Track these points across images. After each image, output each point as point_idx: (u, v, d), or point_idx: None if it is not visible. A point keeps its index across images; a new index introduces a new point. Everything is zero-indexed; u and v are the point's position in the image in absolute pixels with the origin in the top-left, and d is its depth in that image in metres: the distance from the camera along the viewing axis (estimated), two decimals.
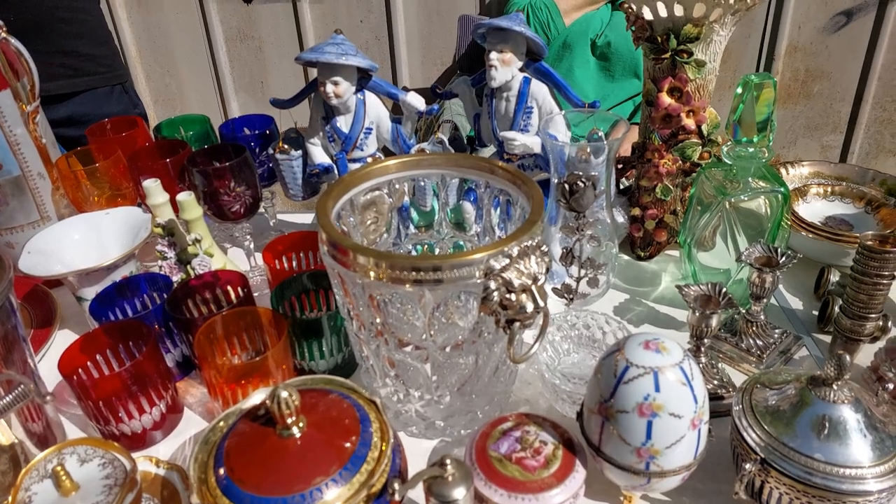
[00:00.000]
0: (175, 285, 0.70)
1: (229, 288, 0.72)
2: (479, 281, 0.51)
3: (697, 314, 0.60)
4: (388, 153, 0.83)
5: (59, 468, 0.49)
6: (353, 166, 0.77)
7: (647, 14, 0.74)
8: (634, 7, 0.75)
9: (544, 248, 0.53)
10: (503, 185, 0.63)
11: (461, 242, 0.75)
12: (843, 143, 2.29)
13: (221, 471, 0.48)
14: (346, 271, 0.54)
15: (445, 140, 0.78)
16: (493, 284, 0.50)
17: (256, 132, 0.88)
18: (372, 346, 0.59)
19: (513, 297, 0.51)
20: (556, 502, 0.51)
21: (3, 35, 0.73)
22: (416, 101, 0.74)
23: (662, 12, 0.72)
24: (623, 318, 0.75)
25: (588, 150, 0.69)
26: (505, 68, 0.70)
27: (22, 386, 0.47)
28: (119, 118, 0.92)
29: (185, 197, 0.71)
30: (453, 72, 2.22)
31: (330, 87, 0.69)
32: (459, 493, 0.47)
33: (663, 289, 0.83)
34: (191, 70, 2.35)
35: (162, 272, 0.77)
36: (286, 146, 0.77)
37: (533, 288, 0.51)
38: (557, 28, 1.69)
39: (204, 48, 2.29)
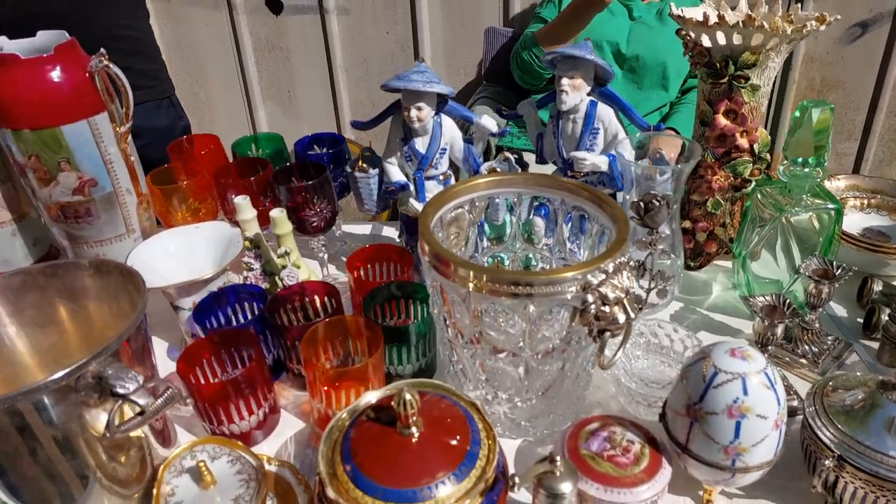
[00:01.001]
0: (269, 296, 0.75)
1: (316, 297, 0.77)
2: (572, 294, 0.56)
3: (765, 323, 0.65)
4: (454, 169, 0.88)
5: (201, 464, 0.54)
6: (428, 184, 0.82)
7: (706, 41, 0.79)
8: (693, 35, 0.80)
9: (632, 263, 0.59)
10: (581, 203, 0.68)
11: (530, 255, 0.80)
12: (857, 150, 2.35)
13: (349, 465, 0.53)
14: (447, 282, 0.59)
15: (512, 159, 0.83)
16: (590, 298, 0.55)
17: (326, 150, 0.93)
18: (467, 352, 0.64)
19: (607, 308, 0.56)
20: (647, 497, 0.56)
21: (105, 62, 0.78)
22: (490, 124, 0.79)
23: (721, 41, 0.77)
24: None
25: (655, 169, 0.74)
26: (575, 93, 0.75)
27: (171, 390, 0.52)
28: (198, 136, 0.97)
29: (277, 213, 0.76)
30: (478, 83, 2.27)
31: (414, 112, 0.74)
32: (566, 486, 0.52)
33: (715, 297, 0.88)
34: (220, 80, 2.41)
35: (247, 283, 0.82)
36: (365, 165, 0.82)
37: (625, 300, 0.57)
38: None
39: (233, 59, 2.35)
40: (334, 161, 0.91)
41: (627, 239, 0.59)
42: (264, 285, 0.82)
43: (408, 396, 0.53)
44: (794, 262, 0.78)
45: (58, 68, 0.77)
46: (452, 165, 0.88)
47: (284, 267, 0.78)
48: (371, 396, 0.59)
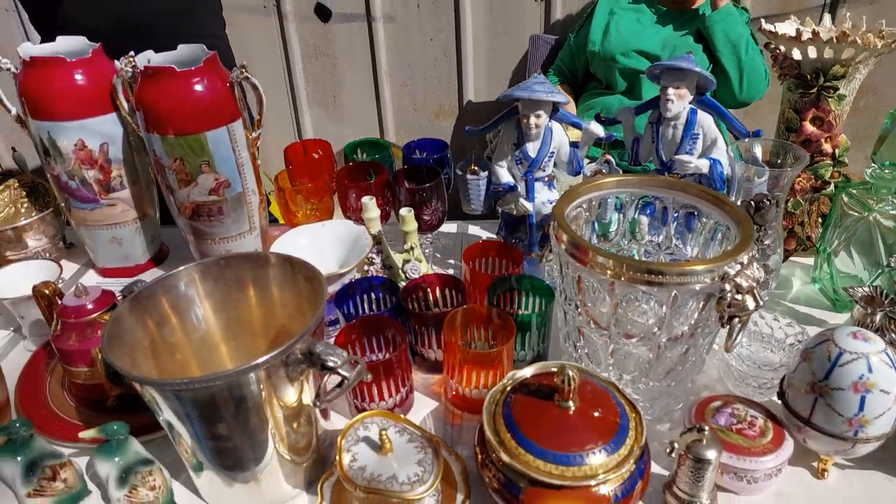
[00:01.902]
0: (400, 287, 0.81)
1: (437, 289, 0.84)
2: (710, 283, 0.63)
3: (867, 311, 0.72)
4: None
5: (383, 433, 0.61)
6: (535, 185, 0.89)
7: (797, 55, 0.86)
8: (783, 49, 0.87)
9: (757, 255, 0.65)
10: (696, 203, 0.75)
11: (634, 250, 0.86)
12: None
13: (515, 432, 0.60)
14: (584, 269, 0.66)
15: (612, 160, 0.90)
16: (727, 287, 0.62)
17: (431, 155, 1.00)
18: (599, 338, 0.70)
19: (740, 297, 0.63)
20: (774, 465, 0.63)
21: (246, 74, 0.85)
22: (597, 129, 0.85)
23: (812, 54, 0.84)
24: None
25: (753, 171, 0.81)
26: (679, 102, 0.82)
27: (360, 364, 0.58)
28: (310, 141, 1.03)
29: (405, 212, 0.83)
30: None
31: (533, 120, 0.81)
32: (712, 454, 0.59)
33: (796, 291, 0.95)
34: (268, 84, 2.48)
35: (369, 275, 0.89)
36: (477, 168, 0.89)
37: (755, 289, 0.63)
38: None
39: (281, 64, 2.42)
40: (438, 165, 0.98)
41: (752, 234, 0.65)
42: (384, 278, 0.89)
43: (570, 373, 0.59)
44: (878, 257, 0.85)
45: (204, 79, 0.84)
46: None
47: (408, 261, 0.85)
48: (525, 372, 0.66)
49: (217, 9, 1.57)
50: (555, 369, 0.66)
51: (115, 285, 1.02)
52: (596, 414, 0.61)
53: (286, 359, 0.57)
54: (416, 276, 0.85)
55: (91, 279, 1.06)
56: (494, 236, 1.10)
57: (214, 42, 1.52)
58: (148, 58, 0.87)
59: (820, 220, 0.99)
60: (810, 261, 0.97)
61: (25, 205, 1.07)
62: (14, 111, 0.94)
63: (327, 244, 0.89)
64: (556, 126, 0.86)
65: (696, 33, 1.78)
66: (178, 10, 1.35)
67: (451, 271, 0.99)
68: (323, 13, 2.35)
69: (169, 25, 1.34)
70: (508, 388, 0.66)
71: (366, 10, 2.32)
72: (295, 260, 0.65)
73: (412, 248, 0.85)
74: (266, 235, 1.01)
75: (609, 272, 0.63)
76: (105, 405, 0.78)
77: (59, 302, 0.76)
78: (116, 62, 0.88)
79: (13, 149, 2.75)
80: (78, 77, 0.88)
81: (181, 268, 0.67)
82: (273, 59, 2.50)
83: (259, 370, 0.55)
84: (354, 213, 0.93)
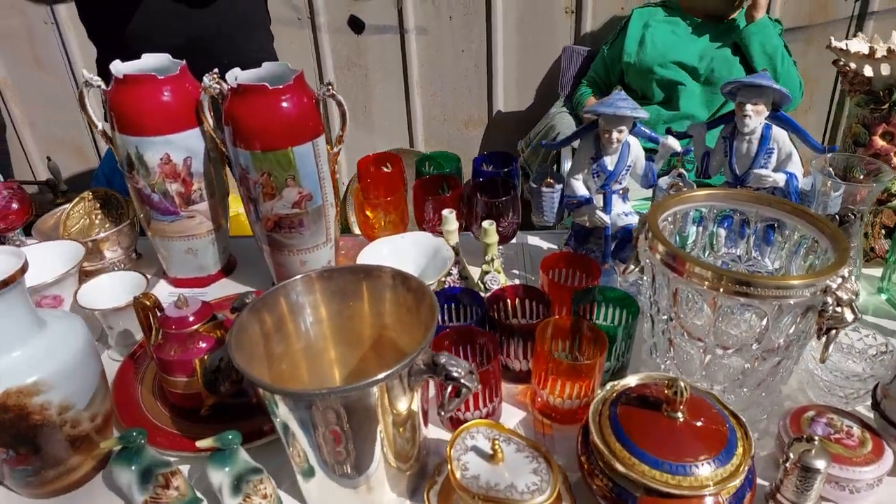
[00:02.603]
0: (482, 298, 0.83)
1: (517, 300, 0.86)
2: (808, 297, 0.64)
3: None
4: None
5: (496, 442, 0.62)
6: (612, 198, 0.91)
7: (868, 72, 0.88)
8: (854, 66, 0.89)
9: (854, 270, 0.67)
10: (781, 217, 0.76)
11: (711, 261, 0.88)
12: None
13: (626, 442, 0.61)
14: (681, 280, 0.68)
15: (685, 174, 0.92)
16: (829, 300, 0.64)
17: (499, 167, 1.02)
18: (693, 348, 0.72)
19: (839, 309, 0.65)
20: (876, 475, 0.65)
21: (332, 91, 0.88)
22: (674, 144, 0.88)
23: (885, 71, 0.86)
24: None
25: (829, 184, 0.83)
26: (757, 118, 0.84)
27: (474, 374, 0.60)
28: (379, 155, 1.06)
29: (488, 225, 0.85)
30: (550, 99, 2.37)
31: (615, 135, 0.83)
32: (821, 464, 0.60)
33: (864, 301, 0.97)
34: None
35: (446, 286, 0.91)
36: (552, 180, 0.91)
37: (854, 302, 0.65)
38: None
39: (314, 74, 2.45)
40: (507, 177, 1.00)
41: (849, 249, 0.67)
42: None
43: (682, 385, 0.61)
44: None
45: (293, 96, 0.86)
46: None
47: (487, 272, 0.87)
48: (628, 382, 0.68)
49: (268, 24, 1.60)
50: (660, 380, 0.68)
51: (188, 296, 1.04)
52: (704, 424, 0.63)
53: (410, 369, 0.59)
54: (496, 287, 0.87)
55: (162, 289, 1.08)
56: (555, 247, 1.13)
57: (266, 56, 1.55)
58: (235, 75, 0.89)
59: (883, 231, 1.01)
60: (874, 272, 0.99)
61: (99, 216, 1.10)
62: (101, 126, 0.97)
63: (407, 255, 0.91)
64: (633, 140, 0.88)
65: (733, 45, 1.80)
66: (238, 26, 1.38)
67: (516, 281, 1.01)
68: (356, 25, 2.38)
69: (229, 41, 1.37)
70: (610, 399, 0.67)
71: (399, 22, 2.35)
72: (405, 274, 0.67)
73: (492, 260, 0.87)
74: (338, 246, 1.03)
75: (707, 283, 0.65)
76: (199, 414, 0.80)
77: (159, 313, 0.78)
78: (205, 78, 0.91)
79: (48, 158, 2.79)
80: (166, 93, 0.90)
81: (297, 277, 0.69)
82: (306, 70, 2.52)
83: (388, 380, 0.57)
84: (430, 225, 0.95)
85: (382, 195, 0.97)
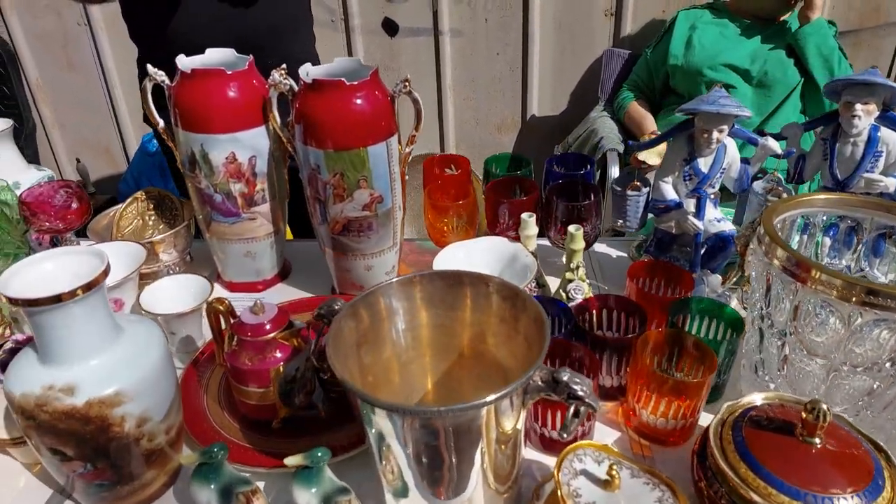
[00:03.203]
0: (568, 308, 0.78)
1: (603, 311, 0.81)
2: None
3: None
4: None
5: (613, 468, 0.57)
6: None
7: None
8: None
9: None
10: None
11: None
12: None
13: (756, 466, 0.56)
14: (806, 289, 0.62)
15: (782, 178, 0.86)
16: None
17: (571, 170, 0.97)
18: (812, 365, 0.67)
19: None
20: None
21: (409, 88, 0.84)
22: (774, 146, 0.82)
23: None
24: None
25: None
26: (867, 118, 0.79)
27: (590, 402, 0.55)
28: (441, 157, 1.02)
29: (574, 230, 0.80)
30: (586, 102, 2.32)
31: (715, 135, 0.78)
32: None
33: None
34: None
35: None
36: (638, 183, 0.86)
37: None
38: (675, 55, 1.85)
39: None
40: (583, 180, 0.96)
41: None
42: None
43: (824, 407, 0.56)
44: None
45: (370, 93, 0.82)
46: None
47: (571, 281, 0.82)
48: (753, 399, 0.63)
49: (311, 24, 1.57)
50: (792, 400, 0.63)
51: (245, 299, 1.00)
52: (844, 451, 0.58)
53: (526, 387, 0.54)
54: (580, 297, 0.82)
55: (217, 293, 1.04)
56: (624, 255, 1.07)
57: (310, 58, 1.51)
58: (307, 70, 0.85)
59: None
60: None
61: (153, 217, 1.06)
62: (161, 124, 0.93)
63: (483, 261, 0.86)
64: (729, 141, 0.83)
65: (787, 47, 1.75)
66: (286, 27, 1.35)
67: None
68: (390, 27, 2.35)
69: (276, 41, 1.33)
70: (730, 420, 0.62)
71: (433, 24, 2.32)
72: (508, 284, 0.62)
73: (577, 268, 0.82)
74: (402, 251, 0.98)
75: (835, 293, 0.60)
76: (270, 427, 0.76)
77: (233, 319, 0.74)
78: (275, 74, 0.86)
79: (77, 160, 2.77)
80: (234, 89, 0.86)
81: (393, 281, 0.64)
82: None
83: (505, 399, 0.52)
84: (503, 229, 0.90)
85: (452, 198, 0.92)
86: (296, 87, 0.87)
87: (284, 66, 0.89)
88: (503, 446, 0.61)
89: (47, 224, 0.86)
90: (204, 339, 0.89)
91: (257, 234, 0.97)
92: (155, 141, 2.53)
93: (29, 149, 2.86)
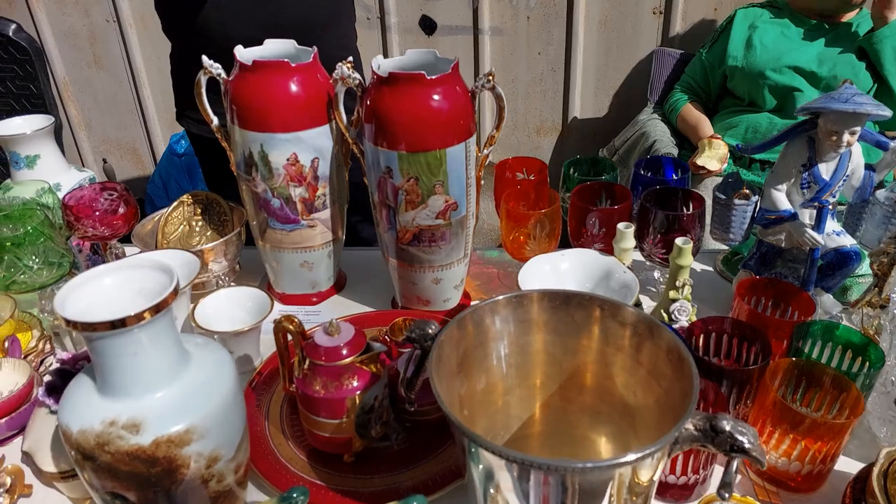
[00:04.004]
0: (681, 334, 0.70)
1: (713, 337, 0.72)
2: None
3: None
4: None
5: None
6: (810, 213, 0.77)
7: None
8: None
9: None
10: None
11: None
12: None
13: None
14: None
15: None
16: None
17: (662, 175, 0.89)
18: None
19: None
20: None
21: (493, 83, 0.76)
22: None
23: None
24: None
25: None
26: None
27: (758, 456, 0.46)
28: (515, 160, 0.93)
29: (683, 243, 0.72)
30: (634, 103, 2.22)
31: (846, 137, 0.69)
32: None
33: None
34: None
35: None
36: (748, 191, 0.77)
37: None
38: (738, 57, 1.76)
39: None
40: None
41: None
42: None
43: None
44: None
45: (450, 88, 0.74)
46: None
47: (675, 300, 0.73)
48: None
49: (353, 18, 1.49)
50: None
51: (299, 313, 0.92)
52: None
53: (677, 436, 0.46)
54: (684, 318, 0.73)
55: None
56: (709, 268, 0.98)
57: (351, 54, 1.44)
58: (378, 63, 0.78)
59: None
60: None
61: (200, 223, 0.99)
62: (216, 122, 0.86)
63: (571, 276, 0.78)
64: (855, 146, 0.74)
65: (858, 50, 1.65)
66: (327, 20, 1.27)
67: None
68: (428, 26, 2.28)
69: (317, 36, 1.26)
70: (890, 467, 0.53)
71: (473, 22, 2.24)
72: (642, 314, 0.53)
73: (683, 286, 0.73)
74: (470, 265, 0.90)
75: None
76: (341, 460, 0.68)
77: (304, 340, 0.66)
78: (342, 67, 0.79)
79: (104, 160, 2.73)
80: (297, 84, 0.78)
81: (499, 298, 0.55)
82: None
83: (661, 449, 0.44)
84: (591, 241, 0.81)
85: (531, 206, 0.84)
86: (365, 82, 0.79)
87: (350, 58, 0.82)
88: (635, 497, 0.52)
89: (91, 230, 0.79)
90: (261, 357, 0.81)
91: (315, 242, 0.89)
92: (183, 141, 2.48)
93: None
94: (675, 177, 0.88)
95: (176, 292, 0.50)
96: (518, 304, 0.56)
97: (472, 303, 0.79)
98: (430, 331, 0.57)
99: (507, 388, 0.60)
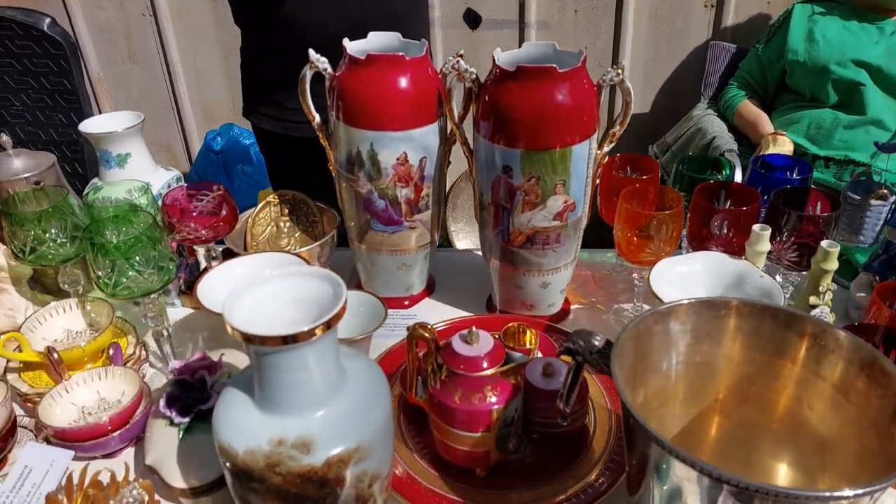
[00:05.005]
0: None
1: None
2: None
3: None
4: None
5: None
6: None
7: None
8: None
9: None
10: None
11: None
12: None
13: None
14: None
15: None
16: None
17: (782, 172, 0.85)
18: None
19: None
20: None
21: (623, 77, 0.72)
22: None
23: None
24: None
25: None
26: None
27: None
28: (624, 157, 0.90)
29: (829, 246, 0.68)
30: (683, 98, 2.18)
31: None
32: None
33: None
34: None
35: None
36: (885, 191, 0.74)
37: None
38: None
39: None
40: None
41: None
42: None
43: None
44: None
45: (577, 81, 0.70)
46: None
47: (815, 306, 0.70)
48: None
49: (427, 14, 1.45)
50: None
51: (394, 316, 0.89)
52: None
53: None
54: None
55: None
56: None
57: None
58: (498, 55, 0.74)
59: None
60: None
61: (287, 224, 0.95)
62: (317, 119, 0.82)
63: (699, 282, 0.74)
64: None
65: None
66: (405, 15, 1.24)
67: None
68: (472, 19, 2.23)
69: (397, 30, 1.23)
70: None
71: (519, 16, 2.19)
72: (872, 353, 0.49)
73: (826, 292, 0.69)
74: None
75: None
76: (473, 475, 0.64)
77: (438, 348, 0.63)
78: (460, 62, 0.75)
79: None
80: (409, 79, 0.75)
81: (680, 303, 0.52)
82: None
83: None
84: (715, 243, 0.78)
85: (649, 206, 0.80)
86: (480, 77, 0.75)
87: (462, 52, 0.78)
88: None
89: (193, 234, 0.76)
90: None
91: (413, 244, 0.86)
92: (220, 139, 2.45)
93: (88, 144, 2.80)
94: (789, 176, 0.84)
95: (345, 307, 0.47)
96: (710, 313, 0.53)
97: (649, 308, 0.75)
98: (595, 342, 0.53)
99: (681, 399, 0.56)
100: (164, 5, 2.37)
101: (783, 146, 1.62)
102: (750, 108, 1.80)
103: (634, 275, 0.84)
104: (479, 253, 1.03)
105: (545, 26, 2.21)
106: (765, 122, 1.75)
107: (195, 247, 0.86)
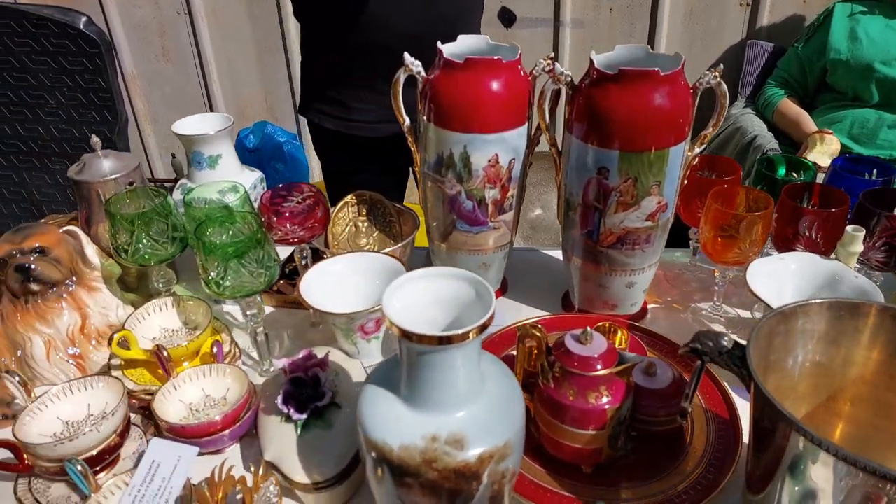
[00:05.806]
0: None
1: None
2: None
3: None
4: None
5: None
6: None
7: None
8: None
9: None
10: None
11: None
12: None
13: None
14: None
15: None
16: None
17: (861, 175, 0.86)
18: None
19: None
20: None
21: (720, 79, 0.73)
22: None
23: None
24: None
25: None
26: None
27: None
28: (703, 158, 0.91)
29: None
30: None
31: None
32: None
33: None
34: None
35: None
36: None
37: None
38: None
39: None
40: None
41: None
42: None
43: None
44: None
45: (677, 84, 0.71)
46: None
47: None
48: None
49: (482, 13, 1.46)
50: None
51: None
52: None
53: None
54: None
55: None
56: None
57: None
58: (594, 57, 0.75)
59: None
60: None
61: (365, 224, 0.97)
62: (407, 122, 0.83)
63: (792, 283, 0.75)
64: None
65: None
66: (468, 14, 1.25)
67: None
68: (507, 18, 2.24)
69: (460, 29, 1.23)
70: None
71: (554, 14, 2.20)
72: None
73: None
74: None
75: None
76: (579, 471, 0.66)
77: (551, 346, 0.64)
78: (555, 64, 0.76)
79: (172, 155, 2.72)
80: (503, 82, 0.76)
81: (818, 301, 0.53)
82: None
83: None
84: (803, 244, 0.79)
85: (733, 206, 0.81)
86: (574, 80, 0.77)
87: (552, 54, 0.79)
88: None
89: (291, 234, 0.77)
90: None
91: (497, 244, 0.87)
92: (252, 136, 2.47)
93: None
94: (868, 176, 0.85)
95: (493, 312, 0.48)
96: (842, 314, 0.54)
97: (775, 308, 0.75)
98: (724, 343, 0.55)
99: (800, 399, 0.58)
100: (199, 4, 2.38)
101: (830, 144, 1.62)
102: (791, 107, 1.81)
103: (717, 275, 0.85)
104: (548, 252, 1.05)
105: (580, 25, 2.22)
106: (807, 121, 1.75)
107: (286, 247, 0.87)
